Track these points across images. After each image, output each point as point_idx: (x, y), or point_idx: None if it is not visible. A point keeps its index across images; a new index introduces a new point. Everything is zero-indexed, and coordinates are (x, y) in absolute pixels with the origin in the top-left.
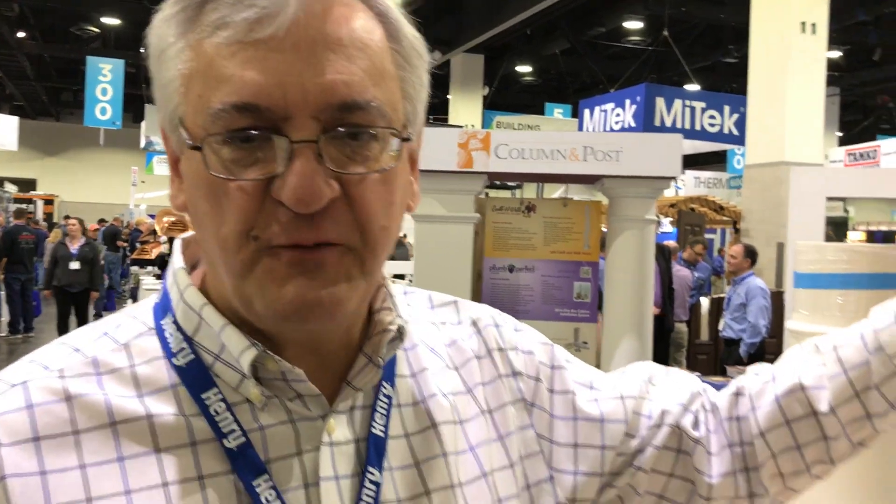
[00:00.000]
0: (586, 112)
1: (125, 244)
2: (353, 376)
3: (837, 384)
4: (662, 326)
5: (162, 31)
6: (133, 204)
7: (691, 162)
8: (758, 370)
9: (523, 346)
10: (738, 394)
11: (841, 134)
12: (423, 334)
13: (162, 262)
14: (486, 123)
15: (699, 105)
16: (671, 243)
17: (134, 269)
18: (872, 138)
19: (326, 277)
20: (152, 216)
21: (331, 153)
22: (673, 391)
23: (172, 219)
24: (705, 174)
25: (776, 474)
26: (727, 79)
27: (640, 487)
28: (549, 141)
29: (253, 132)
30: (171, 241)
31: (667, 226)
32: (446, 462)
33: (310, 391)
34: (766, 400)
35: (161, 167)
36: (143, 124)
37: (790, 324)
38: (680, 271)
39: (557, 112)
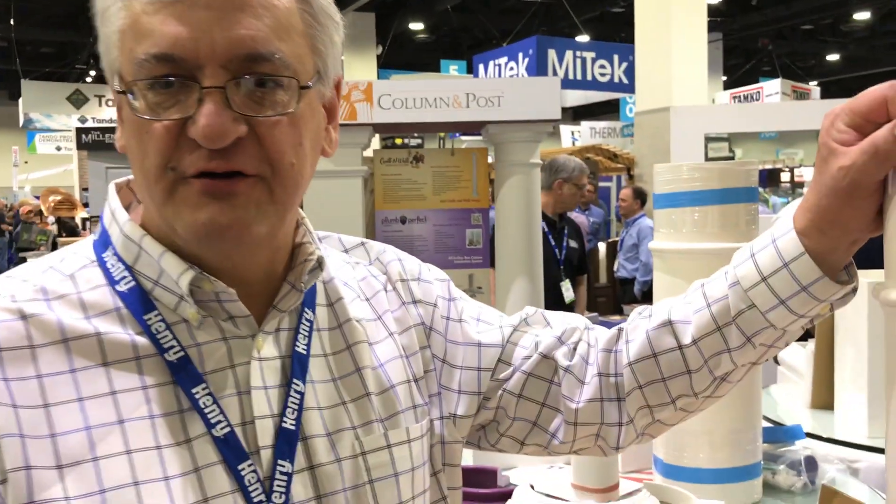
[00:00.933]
0: (481, 67)
1: (10, 228)
2: (279, 301)
3: (701, 318)
4: None
5: None
6: (17, 186)
7: (586, 113)
8: (640, 309)
9: (423, 278)
10: (619, 330)
11: (725, 78)
12: (338, 271)
13: (54, 244)
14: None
15: (589, 55)
16: None
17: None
18: (755, 81)
19: (236, 204)
20: (38, 197)
21: (237, 98)
22: (550, 326)
23: (59, 198)
24: (600, 124)
25: (643, 406)
26: (616, 28)
27: (511, 411)
28: (432, 89)
29: (171, 79)
30: (59, 220)
31: None
32: (360, 376)
33: (240, 311)
34: (639, 334)
35: (45, 145)
36: (20, 101)
37: (653, 244)
38: (576, 218)
39: (453, 69)
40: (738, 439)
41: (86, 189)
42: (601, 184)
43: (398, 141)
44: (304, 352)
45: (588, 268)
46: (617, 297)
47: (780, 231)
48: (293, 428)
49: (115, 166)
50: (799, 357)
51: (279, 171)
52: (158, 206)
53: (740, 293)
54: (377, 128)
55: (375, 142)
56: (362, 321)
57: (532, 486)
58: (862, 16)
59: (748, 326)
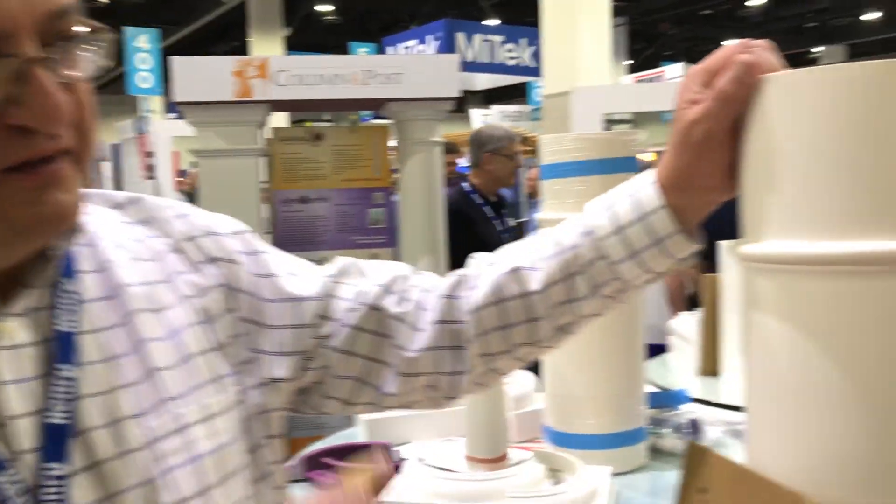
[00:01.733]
0: (390, 50)
1: None
2: (27, 275)
3: (550, 265)
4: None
5: None
6: None
7: (497, 97)
8: (483, 256)
9: (216, 232)
10: (459, 276)
11: (631, 62)
12: (108, 231)
13: None
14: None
15: (497, 39)
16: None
17: None
18: (659, 65)
19: (68, 186)
20: None
21: (59, 63)
22: (374, 275)
23: None
24: (510, 108)
25: (483, 353)
26: (522, 13)
27: (337, 370)
28: (330, 66)
29: None
30: None
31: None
32: (144, 351)
33: None
34: (484, 281)
35: None
36: None
37: (539, 214)
38: None
39: (362, 51)
40: (622, 404)
41: None
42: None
43: (308, 124)
44: (71, 329)
45: None
46: None
47: (639, 183)
48: (64, 422)
49: None
50: (689, 326)
51: (87, 141)
52: None
53: (593, 243)
54: (274, 105)
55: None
56: (144, 286)
57: (422, 460)
58: (756, 2)
59: (597, 277)
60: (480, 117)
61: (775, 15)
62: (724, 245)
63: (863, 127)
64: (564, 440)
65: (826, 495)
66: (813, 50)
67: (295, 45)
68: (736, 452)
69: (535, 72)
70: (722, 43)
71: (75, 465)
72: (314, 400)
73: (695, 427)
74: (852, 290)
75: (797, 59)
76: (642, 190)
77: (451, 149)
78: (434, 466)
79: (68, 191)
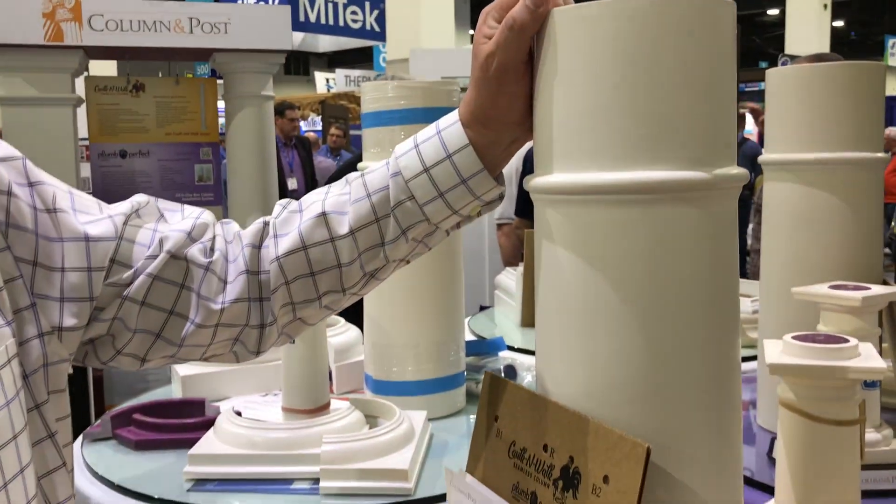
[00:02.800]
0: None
1: None
2: None
3: (359, 207)
4: None
5: None
6: None
7: (340, 61)
8: (286, 202)
9: None
10: (264, 223)
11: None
12: None
13: None
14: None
15: (341, 1)
16: (311, 135)
17: None
18: None
19: None
20: None
21: None
22: (176, 221)
23: None
24: (354, 72)
25: (288, 303)
26: None
27: (132, 323)
28: (151, 11)
29: None
30: None
31: (318, 123)
32: None
33: None
34: (289, 228)
35: None
36: None
37: (362, 164)
38: (323, 162)
39: None
40: (441, 351)
41: None
42: (353, 131)
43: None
44: None
45: None
46: None
47: (445, 123)
48: None
49: None
50: (511, 280)
51: None
52: None
53: (401, 184)
54: (89, 52)
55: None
56: None
57: (238, 413)
58: None
59: (405, 219)
60: (325, 81)
61: None
62: None
63: (637, 62)
64: (384, 388)
65: (607, 416)
66: None
67: None
68: None
69: (379, 36)
70: None
71: None
72: (103, 352)
73: (509, 373)
74: (626, 217)
75: None
76: (449, 128)
77: (292, 108)
78: (249, 419)
79: None
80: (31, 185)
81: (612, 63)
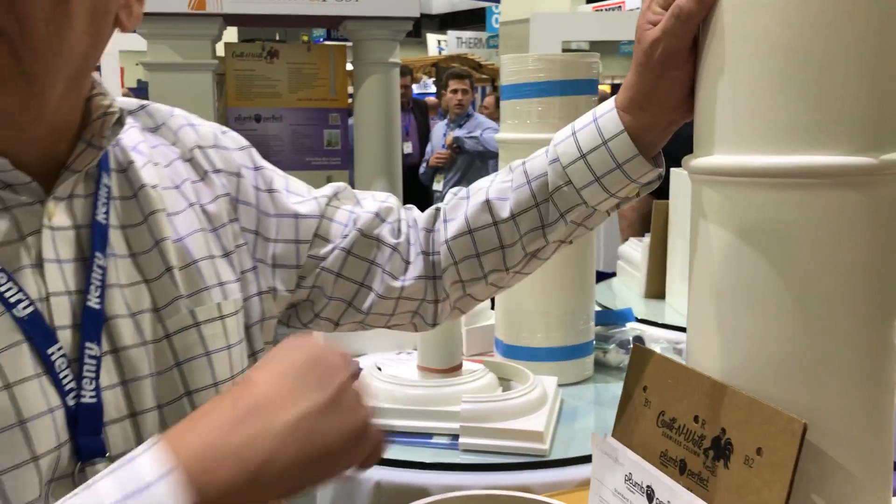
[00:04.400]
0: None
1: None
2: (72, 160)
3: (520, 193)
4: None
5: None
6: None
7: (452, 22)
8: (456, 190)
9: (222, 144)
10: (436, 209)
11: None
12: (124, 133)
13: None
14: None
15: None
16: (431, 100)
17: None
18: None
19: None
20: None
21: None
22: (367, 203)
23: None
24: (466, 34)
25: (457, 280)
26: None
27: (328, 291)
28: None
29: None
30: None
31: (430, 86)
32: (160, 250)
33: (18, 179)
34: (457, 213)
35: None
36: None
37: (498, 135)
38: (440, 125)
39: None
40: (572, 320)
41: None
42: None
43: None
44: (104, 221)
45: None
46: None
47: (601, 110)
48: (98, 307)
49: None
50: (636, 251)
51: (29, 29)
52: None
53: (559, 170)
54: (227, 19)
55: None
56: (158, 188)
57: (379, 368)
58: None
59: (563, 203)
60: (437, 43)
61: None
62: (674, 172)
63: (808, 48)
64: (514, 352)
65: (759, 392)
66: None
67: None
68: None
69: None
70: None
71: (104, 348)
72: (304, 315)
73: (638, 343)
74: (790, 200)
75: None
76: (605, 115)
77: (404, 72)
78: (389, 374)
79: None
80: (255, 168)
81: (780, 49)
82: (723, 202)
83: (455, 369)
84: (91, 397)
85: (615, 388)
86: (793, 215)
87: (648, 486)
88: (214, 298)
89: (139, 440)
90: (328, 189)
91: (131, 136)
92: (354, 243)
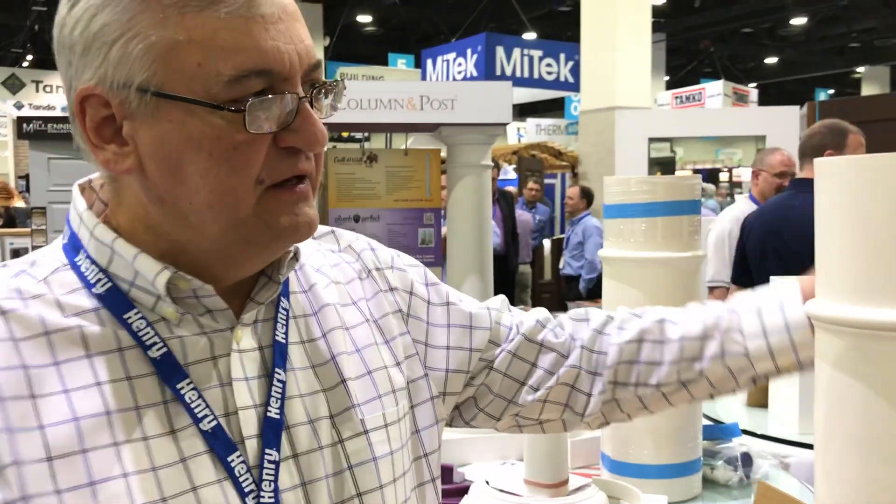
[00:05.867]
0: (429, 62)
1: None
2: (256, 293)
3: (691, 323)
4: (507, 268)
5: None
6: None
7: (531, 110)
8: (624, 310)
9: (397, 265)
10: (609, 316)
11: (668, 78)
12: (309, 258)
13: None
14: (329, 75)
15: (536, 53)
16: (512, 189)
17: None
18: (696, 82)
19: (311, 202)
20: None
21: (317, 104)
22: (528, 314)
23: None
24: (545, 121)
25: (612, 381)
26: (562, 27)
27: (495, 388)
28: (388, 91)
29: (269, 95)
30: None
31: (510, 173)
32: (336, 362)
33: (218, 305)
34: (633, 325)
35: None
36: None
37: (602, 252)
38: (522, 215)
39: (401, 62)
40: (680, 436)
41: (21, 177)
42: (546, 181)
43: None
44: (283, 340)
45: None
46: (562, 293)
47: (786, 298)
48: (278, 417)
49: (57, 157)
50: None
51: (320, 168)
52: (242, 218)
53: (734, 321)
54: (331, 127)
55: None
56: (336, 306)
57: (487, 482)
58: (799, 21)
59: (728, 345)
60: (516, 130)
61: (817, 35)
62: (776, 280)
63: None
64: (621, 468)
65: None
66: (857, 69)
67: (334, 54)
68: (783, 483)
69: (573, 87)
70: (765, 61)
71: (283, 454)
72: (468, 413)
73: (746, 460)
74: None
75: (840, 78)
76: (790, 307)
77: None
78: (499, 489)
79: (311, 207)
80: (428, 284)
81: None
82: (848, 351)
83: (562, 484)
84: (269, 498)
85: None
86: None
87: None
88: (382, 408)
89: None
90: (495, 301)
91: (316, 259)
92: (519, 346)
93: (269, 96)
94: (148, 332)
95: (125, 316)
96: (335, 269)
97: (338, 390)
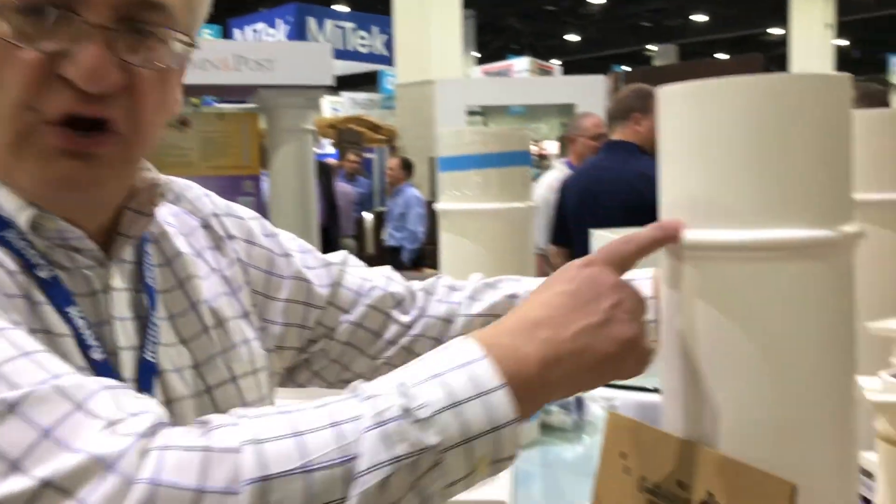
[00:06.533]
0: (237, 32)
1: None
2: (125, 228)
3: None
4: (329, 241)
5: None
6: None
7: (346, 84)
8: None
9: (235, 213)
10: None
11: (478, 55)
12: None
13: None
14: None
15: (349, 25)
16: (332, 161)
17: None
18: (504, 58)
19: (94, 164)
20: None
21: (121, 43)
22: (373, 273)
23: None
24: (361, 95)
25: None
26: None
27: (333, 354)
28: (200, 50)
29: (49, 7)
30: None
31: (328, 147)
32: (196, 312)
33: (88, 246)
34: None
35: None
36: None
37: (438, 205)
38: (343, 188)
39: (207, 33)
40: None
41: None
42: (365, 155)
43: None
44: (152, 284)
45: None
46: (386, 265)
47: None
48: (154, 360)
49: None
50: None
51: (141, 129)
52: (5, 148)
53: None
54: None
55: None
56: (188, 256)
57: None
58: (597, 0)
59: None
60: (330, 104)
61: (613, 13)
62: (597, 234)
63: (770, 133)
64: None
65: (737, 452)
66: (648, 47)
67: None
68: None
69: (387, 60)
70: (567, 38)
71: (157, 399)
72: (301, 375)
73: (579, 404)
74: (760, 272)
75: (635, 55)
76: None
77: None
78: None
79: (93, 168)
80: (266, 235)
81: (746, 134)
82: (693, 274)
83: None
84: None
85: (561, 449)
86: (762, 286)
87: None
88: (246, 355)
89: None
90: (338, 257)
91: (159, 209)
92: (365, 317)
93: (46, 7)
94: (34, 254)
95: (2, 233)
96: (177, 219)
97: (201, 340)
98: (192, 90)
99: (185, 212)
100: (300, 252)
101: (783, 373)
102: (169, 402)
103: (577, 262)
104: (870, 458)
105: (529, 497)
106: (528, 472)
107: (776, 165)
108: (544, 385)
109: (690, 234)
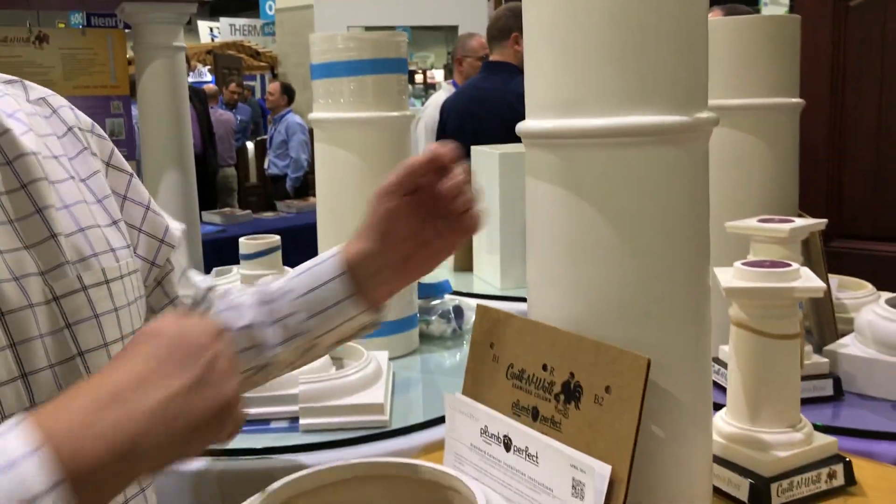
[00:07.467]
0: None
1: None
2: None
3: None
4: (206, 171)
5: None
6: None
7: (223, 9)
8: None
9: (97, 132)
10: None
11: None
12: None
13: None
14: None
15: None
16: (210, 87)
17: None
18: None
19: None
20: None
21: None
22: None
23: None
24: (240, 21)
25: None
26: None
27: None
28: None
29: None
30: None
31: (206, 74)
32: (42, 217)
33: None
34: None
35: None
36: None
37: (312, 115)
38: (222, 115)
39: None
40: (397, 295)
41: None
42: (245, 82)
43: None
44: None
45: None
46: (269, 194)
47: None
48: None
49: None
50: None
51: None
52: None
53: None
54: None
55: None
56: (38, 157)
57: None
58: None
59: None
60: (209, 30)
61: None
62: (475, 150)
63: (627, 20)
64: None
65: (601, 336)
66: None
67: None
68: None
69: None
70: None
71: None
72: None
73: (458, 312)
74: (617, 157)
75: None
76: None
77: None
78: None
79: None
80: (129, 175)
81: (607, 25)
82: (556, 163)
83: None
84: None
85: (440, 356)
86: (620, 171)
87: (505, 436)
88: (99, 264)
89: (33, 401)
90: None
91: (7, 104)
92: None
93: None
94: None
95: None
96: (32, 119)
97: (47, 246)
98: (55, 4)
99: (44, 115)
100: (147, 206)
101: (640, 255)
102: (2, 314)
103: (170, 316)
104: (725, 349)
105: (408, 401)
106: (408, 378)
107: (635, 54)
108: (117, 474)
109: (552, 123)
